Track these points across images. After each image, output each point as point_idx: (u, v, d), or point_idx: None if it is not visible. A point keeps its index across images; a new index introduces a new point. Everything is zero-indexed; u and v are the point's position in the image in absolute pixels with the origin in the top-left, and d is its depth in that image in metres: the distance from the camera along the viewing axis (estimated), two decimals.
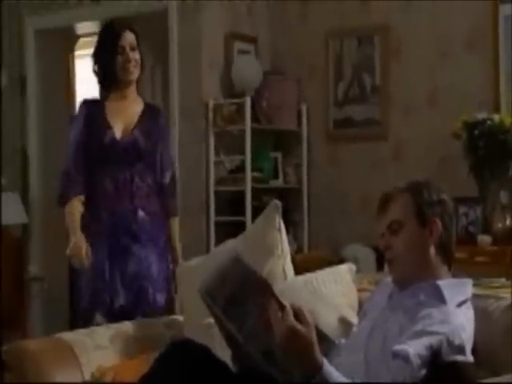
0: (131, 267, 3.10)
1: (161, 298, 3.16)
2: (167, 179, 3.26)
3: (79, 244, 3.03)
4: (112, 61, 3.17)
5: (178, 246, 3.30)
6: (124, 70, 3.17)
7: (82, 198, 3.13)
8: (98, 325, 2.93)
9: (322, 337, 1.93)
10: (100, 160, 3.15)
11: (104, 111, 3.20)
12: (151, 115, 3.26)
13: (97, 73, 3.26)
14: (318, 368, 1.72)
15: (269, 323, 1.69)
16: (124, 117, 3.20)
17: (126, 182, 3.13)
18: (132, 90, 3.25)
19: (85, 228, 3.11)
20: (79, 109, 3.28)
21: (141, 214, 3.15)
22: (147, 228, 3.15)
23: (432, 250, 2.05)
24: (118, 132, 3.17)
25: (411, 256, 2.06)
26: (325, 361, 1.74)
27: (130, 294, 3.09)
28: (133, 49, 3.20)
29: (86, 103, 3.28)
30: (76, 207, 3.12)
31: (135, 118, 3.21)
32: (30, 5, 5.75)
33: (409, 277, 2.06)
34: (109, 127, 3.16)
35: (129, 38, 3.20)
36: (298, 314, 1.71)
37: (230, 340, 1.86)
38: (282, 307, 1.70)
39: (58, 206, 3.18)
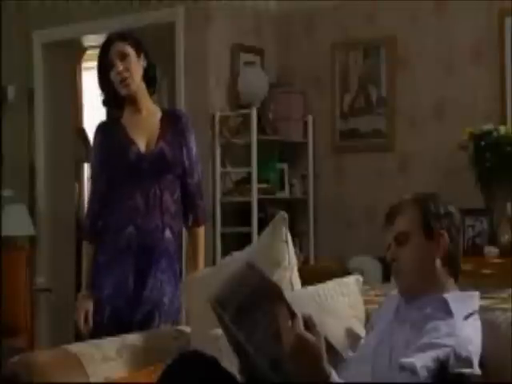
0: (147, 291, 2.97)
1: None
2: (194, 183, 3.10)
3: (79, 313, 2.98)
4: (108, 79, 2.98)
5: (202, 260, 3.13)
6: (121, 84, 2.97)
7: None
8: None
9: (330, 348, 1.92)
10: (127, 178, 2.97)
11: (122, 128, 3.02)
12: (170, 123, 3.05)
13: (102, 99, 3.08)
14: (326, 378, 1.71)
15: (278, 331, 1.69)
16: (145, 130, 3.02)
17: (155, 198, 2.98)
18: (144, 101, 3.05)
19: (107, 246, 3.01)
20: (94, 134, 3.10)
21: (167, 234, 3.01)
22: (171, 251, 3.03)
23: (438, 263, 2.05)
24: (142, 146, 2.99)
25: (417, 268, 2.05)
26: (333, 371, 1.73)
27: (138, 318, 2.97)
28: (123, 57, 2.96)
29: (101, 127, 3.10)
30: (88, 253, 3.04)
31: (156, 130, 3.02)
32: (37, 18, 5.78)
33: (415, 289, 2.06)
34: (132, 143, 2.98)
35: (116, 48, 2.96)
36: (309, 324, 1.71)
37: (239, 350, 1.85)
38: (292, 315, 1.70)
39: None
